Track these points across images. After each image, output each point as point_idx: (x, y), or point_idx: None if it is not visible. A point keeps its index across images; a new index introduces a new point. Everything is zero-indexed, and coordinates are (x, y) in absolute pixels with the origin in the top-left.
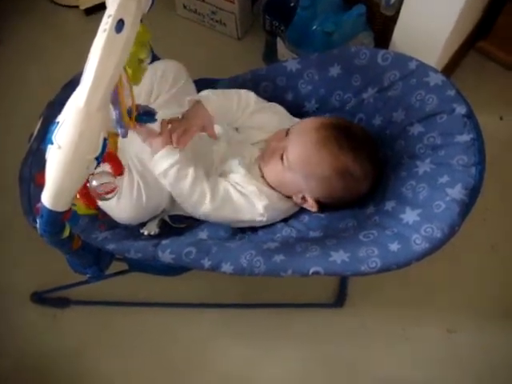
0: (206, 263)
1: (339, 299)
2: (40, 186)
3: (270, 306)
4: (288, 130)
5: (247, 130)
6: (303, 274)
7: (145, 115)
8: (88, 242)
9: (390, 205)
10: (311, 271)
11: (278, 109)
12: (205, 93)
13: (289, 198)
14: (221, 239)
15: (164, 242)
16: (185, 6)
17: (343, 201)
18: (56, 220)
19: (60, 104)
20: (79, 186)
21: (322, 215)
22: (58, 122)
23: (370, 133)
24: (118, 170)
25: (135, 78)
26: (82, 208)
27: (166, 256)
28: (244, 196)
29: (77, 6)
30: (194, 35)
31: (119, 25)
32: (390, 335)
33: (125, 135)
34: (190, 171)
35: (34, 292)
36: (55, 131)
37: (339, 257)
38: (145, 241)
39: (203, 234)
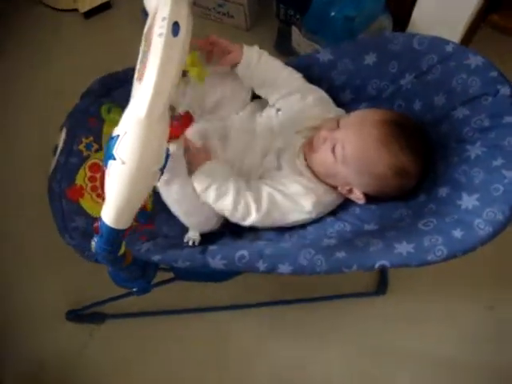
0: (261, 266)
1: (381, 287)
2: (72, 201)
3: (311, 301)
4: (339, 119)
5: (288, 114)
6: (368, 268)
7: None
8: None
9: (443, 191)
10: (377, 265)
11: (323, 95)
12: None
13: (334, 187)
14: (270, 239)
15: (211, 247)
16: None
17: (394, 196)
18: (117, 238)
19: (81, 113)
20: (143, 201)
21: (373, 206)
22: (117, 136)
23: (421, 124)
24: None
25: (200, 78)
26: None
27: (216, 262)
28: (289, 197)
29: (75, 10)
30: (200, 29)
31: (175, 27)
32: (434, 317)
33: None
34: (231, 187)
35: (69, 310)
36: (115, 145)
37: (404, 248)
38: (189, 248)
39: (251, 235)
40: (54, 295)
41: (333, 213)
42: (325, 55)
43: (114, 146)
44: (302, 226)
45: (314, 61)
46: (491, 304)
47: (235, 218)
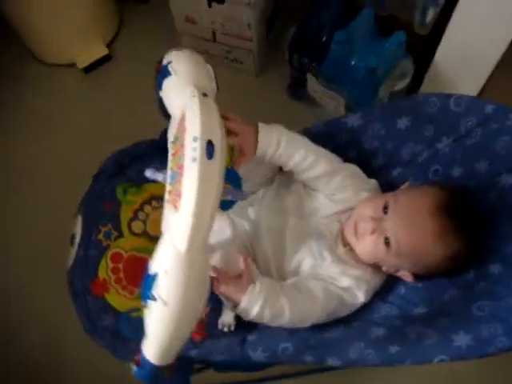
0: (308, 358)
1: None
2: (97, 297)
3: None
4: (386, 203)
5: (316, 195)
6: (425, 363)
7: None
8: None
9: (495, 268)
10: (435, 360)
11: (353, 170)
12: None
13: (378, 267)
14: (312, 328)
15: (250, 337)
16: (194, 49)
17: (443, 274)
18: (160, 370)
19: (96, 197)
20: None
21: (419, 285)
22: (155, 274)
23: (467, 195)
24: None
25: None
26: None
27: (258, 355)
28: (343, 290)
29: (73, 65)
30: None
31: (209, 148)
32: None
33: None
34: (284, 301)
35: None
36: (154, 285)
37: (462, 340)
38: (226, 338)
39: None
40: None
41: (377, 294)
42: (354, 120)
43: (152, 285)
44: None
45: (341, 125)
46: None
47: (295, 325)
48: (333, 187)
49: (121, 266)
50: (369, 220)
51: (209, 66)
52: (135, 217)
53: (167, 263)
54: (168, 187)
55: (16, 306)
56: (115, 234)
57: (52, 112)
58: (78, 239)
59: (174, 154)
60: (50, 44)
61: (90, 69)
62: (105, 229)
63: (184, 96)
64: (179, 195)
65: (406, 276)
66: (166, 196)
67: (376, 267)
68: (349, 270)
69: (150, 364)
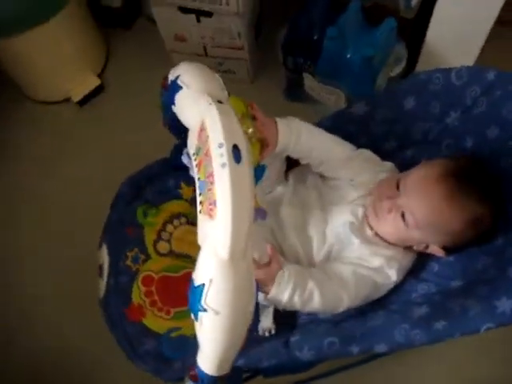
0: (355, 349)
1: None
2: (135, 322)
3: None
4: (397, 181)
5: (336, 184)
6: (473, 333)
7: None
8: None
9: None
10: (483, 329)
11: (367, 155)
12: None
13: (408, 247)
14: (352, 316)
15: (293, 338)
16: None
17: (472, 243)
18: (218, 380)
19: (117, 225)
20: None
21: (451, 259)
22: (202, 285)
23: (479, 160)
24: None
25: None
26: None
27: (305, 354)
28: (375, 271)
29: (67, 100)
30: None
31: (236, 153)
32: None
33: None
34: (313, 286)
35: None
36: (203, 296)
37: (506, 305)
38: (269, 342)
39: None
40: None
41: (411, 273)
42: (359, 108)
43: (200, 296)
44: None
45: (348, 116)
46: None
47: (328, 311)
48: (351, 173)
49: (153, 288)
50: (384, 199)
51: (217, 75)
52: (159, 238)
53: (212, 273)
54: (199, 198)
55: (17, 306)
56: (142, 257)
57: (54, 149)
58: (106, 268)
59: (198, 165)
60: (42, 83)
61: (84, 101)
62: (131, 254)
63: (200, 106)
64: (213, 203)
65: (436, 251)
66: (199, 207)
67: (406, 247)
68: (379, 250)
69: (208, 376)
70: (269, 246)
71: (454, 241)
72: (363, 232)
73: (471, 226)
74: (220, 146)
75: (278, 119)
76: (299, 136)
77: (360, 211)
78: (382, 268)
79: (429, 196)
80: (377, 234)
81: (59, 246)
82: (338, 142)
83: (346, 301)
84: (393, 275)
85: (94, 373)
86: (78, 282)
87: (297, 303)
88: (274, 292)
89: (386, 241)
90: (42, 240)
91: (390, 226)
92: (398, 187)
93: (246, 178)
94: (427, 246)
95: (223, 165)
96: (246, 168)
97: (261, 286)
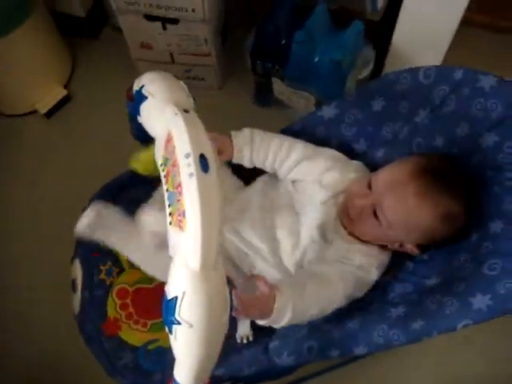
0: (334, 353)
1: None
2: (112, 336)
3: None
4: (368, 180)
5: (305, 185)
6: (450, 331)
7: None
8: None
9: (496, 226)
10: (460, 326)
11: (330, 153)
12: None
13: (383, 246)
14: (330, 320)
15: (272, 344)
16: None
17: (446, 240)
18: None
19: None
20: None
21: (425, 257)
22: (175, 298)
23: (450, 158)
24: None
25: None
26: None
27: (284, 360)
28: (359, 269)
29: (34, 112)
30: None
31: (203, 162)
32: None
33: None
34: (308, 299)
35: None
36: (176, 309)
37: (481, 302)
38: (248, 349)
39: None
40: None
41: (387, 273)
42: (329, 110)
43: (174, 309)
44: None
45: (318, 119)
46: None
47: (322, 315)
48: (317, 171)
49: (128, 301)
50: (356, 198)
51: (182, 83)
52: None
53: (184, 285)
54: (168, 210)
55: (13, 309)
56: (116, 270)
57: (24, 163)
58: (79, 283)
59: (166, 176)
60: (7, 96)
61: (51, 113)
62: (105, 267)
63: (166, 116)
64: (182, 214)
65: (410, 249)
66: (168, 219)
67: (381, 246)
68: (356, 249)
69: None
70: (256, 277)
71: (428, 238)
72: (338, 232)
73: (445, 222)
74: (187, 155)
75: (231, 132)
76: (253, 141)
77: (333, 211)
78: (362, 265)
79: (401, 193)
80: (351, 233)
81: (52, 249)
82: (298, 141)
83: (336, 302)
84: (373, 272)
85: (91, 376)
86: None
87: (297, 319)
88: (275, 316)
89: (360, 240)
90: (35, 243)
91: (363, 225)
92: (369, 187)
93: (214, 187)
94: (402, 245)
95: (191, 175)
96: (214, 177)
97: (257, 318)
